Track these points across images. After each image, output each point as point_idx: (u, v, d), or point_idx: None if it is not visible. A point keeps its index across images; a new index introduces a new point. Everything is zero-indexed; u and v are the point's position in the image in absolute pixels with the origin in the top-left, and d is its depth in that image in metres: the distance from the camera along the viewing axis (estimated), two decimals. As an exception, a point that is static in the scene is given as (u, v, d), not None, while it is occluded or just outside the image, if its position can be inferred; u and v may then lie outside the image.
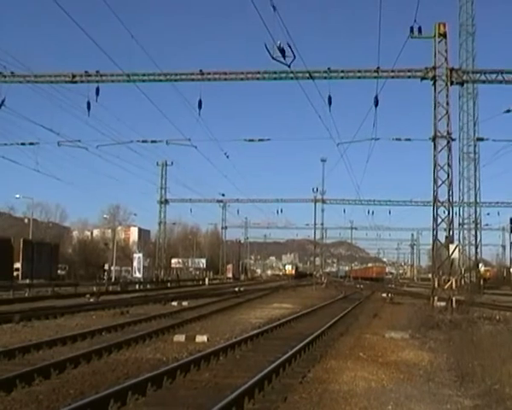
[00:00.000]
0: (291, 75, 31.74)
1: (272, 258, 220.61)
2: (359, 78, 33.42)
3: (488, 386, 10.85)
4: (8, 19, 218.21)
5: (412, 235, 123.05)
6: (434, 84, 31.94)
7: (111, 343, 14.90)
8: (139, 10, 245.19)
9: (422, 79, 32.49)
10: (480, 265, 61.12)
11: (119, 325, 19.71)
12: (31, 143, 38.44)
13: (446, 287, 30.88)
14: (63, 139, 37.70)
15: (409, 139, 38.47)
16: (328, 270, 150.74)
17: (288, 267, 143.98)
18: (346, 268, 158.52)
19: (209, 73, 33.95)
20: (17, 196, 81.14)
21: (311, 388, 10.78)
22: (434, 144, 31.89)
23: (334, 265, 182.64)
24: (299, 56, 21.69)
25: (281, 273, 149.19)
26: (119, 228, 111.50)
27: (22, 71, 32.91)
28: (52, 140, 37.83)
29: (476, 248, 55.75)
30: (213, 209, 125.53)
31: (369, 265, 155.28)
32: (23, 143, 38.58)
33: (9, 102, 32.04)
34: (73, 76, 33.72)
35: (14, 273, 49.54)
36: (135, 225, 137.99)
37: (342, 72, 33.34)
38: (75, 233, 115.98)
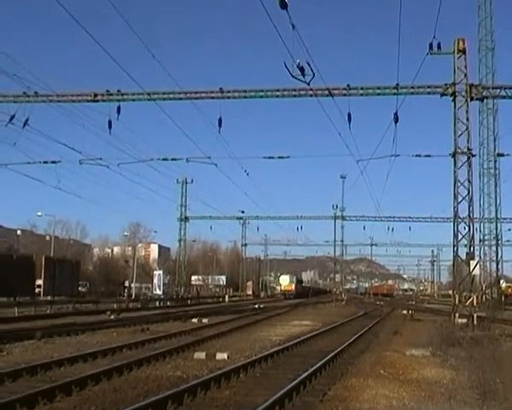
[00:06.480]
0: (310, 93, 31.70)
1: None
2: (379, 94, 33.37)
3: (510, 404, 10.76)
4: (32, 40, 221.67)
5: (432, 251, 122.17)
6: (454, 100, 31.81)
7: (131, 360, 14.96)
8: (160, 30, 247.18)
9: (442, 95, 32.40)
10: (502, 281, 60.55)
11: (139, 342, 19.78)
12: (53, 162, 38.74)
13: (467, 304, 30.63)
14: (85, 157, 37.98)
15: (429, 155, 38.39)
16: (348, 286, 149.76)
17: (285, 281, 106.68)
18: (366, 285, 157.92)
19: (229, 91, 34.08)
20: (39, 213, 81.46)
21: (331, 406, 10.74)
22: (454, 160, 31.72)
23: (355, 281, 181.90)
24: (318, 74, 21.74)
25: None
26: (140, 245, 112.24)
27: (45, 91, 33.25)
28: (74, 158, 38.14)
29: (497, 264, 55.36)
30: (233, 226, 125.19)
31: (382, 283, 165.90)
32: (45, 162, 38.91)
33: (32, 122, 32.45)
34: (95, 95, 34.06)
35: (36, 290, 49.88)
36: (155, 243, 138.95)
37: (362, 89, 33.33)
38: (96, 250, 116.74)
